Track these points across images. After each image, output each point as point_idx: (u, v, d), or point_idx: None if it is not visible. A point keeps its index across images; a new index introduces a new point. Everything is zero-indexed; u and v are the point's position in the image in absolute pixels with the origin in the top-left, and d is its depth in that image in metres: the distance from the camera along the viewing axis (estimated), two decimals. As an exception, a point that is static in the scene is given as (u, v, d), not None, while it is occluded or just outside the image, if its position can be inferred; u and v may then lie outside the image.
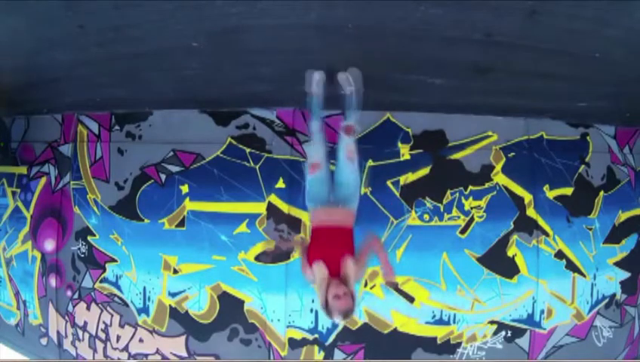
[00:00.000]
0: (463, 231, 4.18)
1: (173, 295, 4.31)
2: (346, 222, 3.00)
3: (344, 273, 2.72)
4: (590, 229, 4.32)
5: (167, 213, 4.31)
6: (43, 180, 4.73)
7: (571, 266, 4.26)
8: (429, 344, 4.17)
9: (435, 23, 2.75)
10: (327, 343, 4.19)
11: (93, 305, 4.50)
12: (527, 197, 4.23)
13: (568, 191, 4.30)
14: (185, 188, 4.30)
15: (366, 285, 4.16)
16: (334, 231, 2.94)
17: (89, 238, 4.49)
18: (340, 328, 4.17)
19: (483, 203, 4.19)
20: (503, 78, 3.51)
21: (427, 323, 4.17)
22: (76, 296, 4.54)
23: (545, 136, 4.31)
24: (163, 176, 4.36)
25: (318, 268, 2.74)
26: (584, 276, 4.29)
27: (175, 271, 4.29)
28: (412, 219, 4.16)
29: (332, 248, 2.82)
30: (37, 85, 4.05)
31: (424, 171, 4.18)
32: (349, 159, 3.08)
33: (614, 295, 4.36)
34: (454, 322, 4.17)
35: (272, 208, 4.18)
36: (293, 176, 4.19)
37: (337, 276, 2.72)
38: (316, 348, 4.19)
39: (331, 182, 3.12)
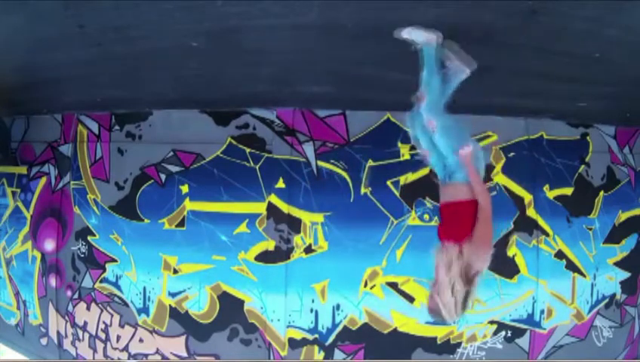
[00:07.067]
0: (463, 231, 4.17)
1: (173, 295, 4.31)
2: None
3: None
4: (590, 229, 4.32)
5: (167, 213, 4.31)
6: (43, 180, 4.73)
7: (571, 266, 4.26)
8: (429, 344, 4.17)
9: (434, 22, 2.74)
10: (327, 343, 4.18)
11: (93, 305, 4.49)
12: (527, 197, 4.22)
13: (568, 191, 4.30)
14: (185, 188, 4.30)
15: (366, 285, 4.16)
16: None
17: (89, 238, 4.49)
18: (340, 328, 4.17)
19: (483, 203, 4.19)
20: (503, 78, 3.51)
21: (427, 323, 4.16)
22: (76, 296, 4.54)
23: (545, 136, 4.30)
24: (163, 176, 4.35)
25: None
26: (584, 276, 4.29)
27: (175, 271, 4.29)
28: (412, 219, 4.16)
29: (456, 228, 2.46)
30: (37, 85, 4.05)
31: (424, 171, 4.16)
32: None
33: (614, 295, 4.36)
34: (454, 322, 4.17)
35: (272, 208, 4.18)
36: (293, 176, 4.19)
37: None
38: (316, 348, 4.19)
39: None
